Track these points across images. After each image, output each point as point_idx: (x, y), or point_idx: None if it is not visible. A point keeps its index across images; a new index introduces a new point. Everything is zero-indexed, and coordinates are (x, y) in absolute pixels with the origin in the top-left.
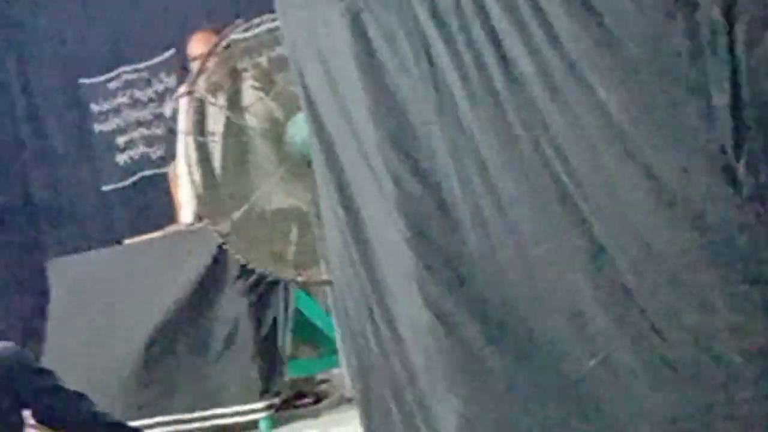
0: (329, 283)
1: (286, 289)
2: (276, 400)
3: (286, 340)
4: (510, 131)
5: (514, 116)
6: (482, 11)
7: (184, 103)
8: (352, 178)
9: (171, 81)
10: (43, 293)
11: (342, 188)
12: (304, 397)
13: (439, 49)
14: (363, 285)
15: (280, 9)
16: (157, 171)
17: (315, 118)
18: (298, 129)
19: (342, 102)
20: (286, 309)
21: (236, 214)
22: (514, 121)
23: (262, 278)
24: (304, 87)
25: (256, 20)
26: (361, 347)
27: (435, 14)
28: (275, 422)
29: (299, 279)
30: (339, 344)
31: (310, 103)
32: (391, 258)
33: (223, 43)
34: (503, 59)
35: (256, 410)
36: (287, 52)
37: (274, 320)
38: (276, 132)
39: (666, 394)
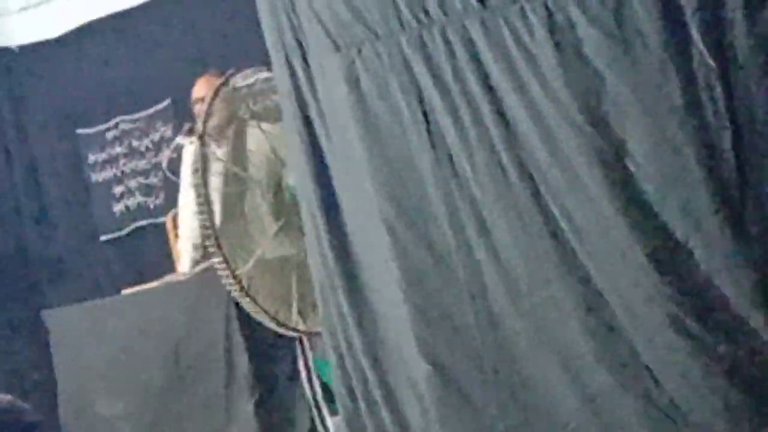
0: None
1: (300, 341)
2: None
3: (316, 391)
4: (506, 179)
5: (509, 164)
6: (476, 60)
7: (187, 154)
8: (351, 230)
9: (167, 130)
10: (41, 344)
11: (341, 239)
12: None
13: (433, 98)
14: (352, 336)
15: (276, 55)
16: (154, 220)
17: (314, 166)
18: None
19: (342, 150)
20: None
21: (247, 266)
22: (509, 169)
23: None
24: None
25: (255, 69)
26: (349, 407)
27: (429, 64)
28: None
29: (302, 328)
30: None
31: (312, 146)
32: (390, 309)
33: (228, 85)
34: (498, 108)
35: None
36: (282, 99)
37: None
38: (275, 180)
39: None
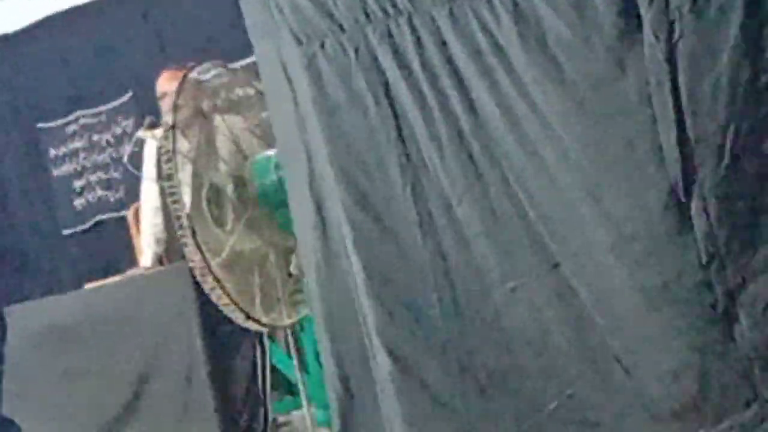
0: (293, 325)
1: (259, 336)
2: None
3: (267, 388)
4: (476, 169)
5: (479, 154)
6: (444, 50)
7: (149, 148)
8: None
9: (129, 124)
10: (2, 340)
11: (324, 229)
12: None
13: (401, 90)
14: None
15: (254, 40)
16: (115, 214)
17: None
18: (259, 169)
19: (306, 140)
20: (263, 356)
21: (217, 260)
22: (479, 158)
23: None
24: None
25: (215, 62)
26: (339, 392)
27: (396, 55)
28: None
29: (268, 322)
30: (300, 386)
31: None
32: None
33: (193, 77)
34: (466, 98)
35: None
36: (264, 83)
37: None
38: (237, 174)
39: (633, 427)
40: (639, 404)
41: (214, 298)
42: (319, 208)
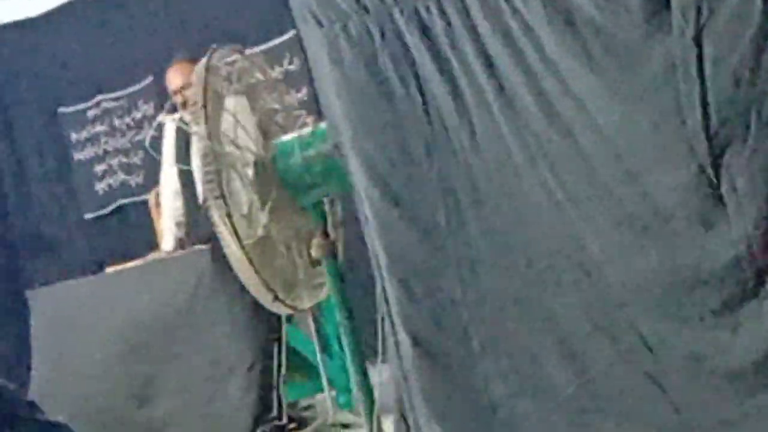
0: (313, 308)
1: (278, 317)
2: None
3: (283, 365)
4: (506, 149)
5: (509, 134)
6: (473, 30)
7: (168, 132)
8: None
9: (149, 109)
10: (25, 323)
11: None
12: (290, 422)
13: (429, 71)
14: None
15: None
16: (136, 198)
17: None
18: (283, 150)
19: (335, 124)
20: (280, 336)
21: (253, 239)
22: (510, 140)
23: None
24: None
25: (235, 47)
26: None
27: (425, 36)
28: None
29: (290, 303)
30: (321, 370)
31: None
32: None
33: (202, 71)
34: (496, 78)
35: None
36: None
37: (263, 349)
38: (259, 158)
39: (653, 413)
40: (661, 389)
41: (244, 278)
42: None
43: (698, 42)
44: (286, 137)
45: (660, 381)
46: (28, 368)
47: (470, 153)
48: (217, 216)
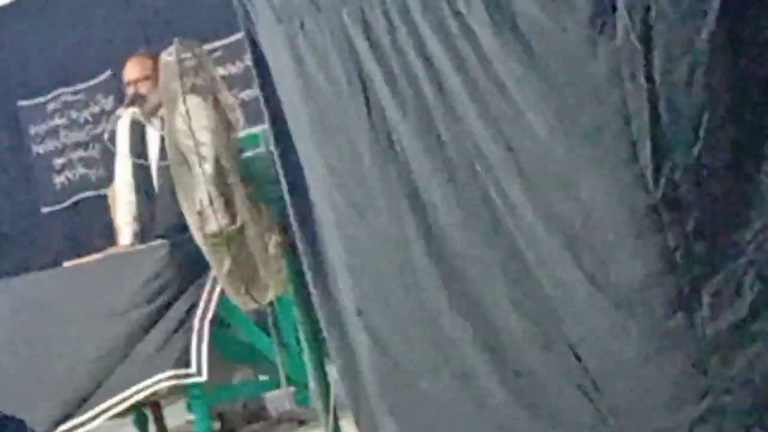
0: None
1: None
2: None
3: (204, 325)
4: (444, 155)
5: (448, 139)
6: (414, 32)
7: (122, 125)
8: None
9: (108, 102)
10: None
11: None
12: (258, 420)
13: (372, 71)
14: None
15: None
16: (95, 192)
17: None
18: (247, 143)
19: (292, 123)
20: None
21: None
22: (448, 144)
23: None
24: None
25: (194, 41)
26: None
27: (369, 36)
28: None
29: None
30: (279, 365)
31: (276, 118)
32: (340, 281)
33: (160, 65)
34: (436, 81)
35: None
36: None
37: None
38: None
39: (583, 421)
40: (589, 400)
41: (218, 271)
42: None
43: (646, 42)
44: (253, 130)
45: (589, 392)
46: None
47: (410, 158)
48: (186, 209)
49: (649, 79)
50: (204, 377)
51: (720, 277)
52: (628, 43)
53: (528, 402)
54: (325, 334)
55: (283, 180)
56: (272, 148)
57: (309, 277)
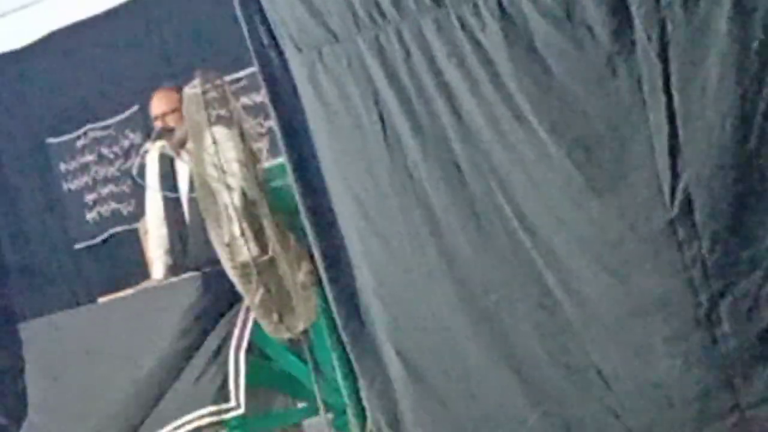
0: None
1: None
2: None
3: (240, 356)
4: (461, 178)
5: (465, 163)
6: (431, 59)
7: (151, 159)
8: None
9: (136, 137)
10: (18, 356)
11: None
12: None
13: (389, 99)
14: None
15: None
16: (128, 227)
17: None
18: (273, 174)
19: (319, 149)
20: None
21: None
22: (465, 168)
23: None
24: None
25: (217, 73)
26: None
27: (385, 64)
28: None
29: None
30: (316, 392)
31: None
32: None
33: (184, 98)
34: (453, 107)
35: (214, 413)
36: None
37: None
38: (245, 183)
39: None
40: (616, 417)
41: (252, 301)
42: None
43: (663, 58)
44: (275, 161)
45: (615, 409)
46: (24, 403)
47: (428, 182)
48: (216, 240)
49: (668, 94)
50: (242, 410)
51: (737, 291)
52: (646, 59)
53: (557, 423)
54: (354, 362)
55: (303, 210)
56: (290, 179)
57: (333, 305)
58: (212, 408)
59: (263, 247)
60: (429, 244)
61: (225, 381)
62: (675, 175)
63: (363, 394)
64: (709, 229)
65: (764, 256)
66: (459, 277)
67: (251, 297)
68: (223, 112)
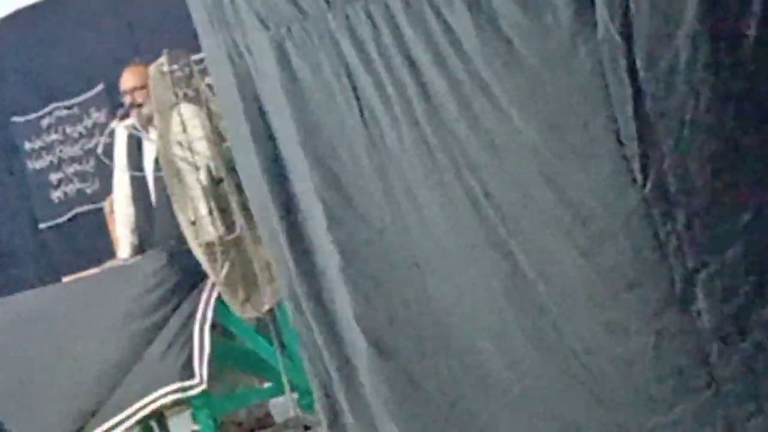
0: (269, 312)
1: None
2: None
3: (204, 333)
4: (431, 154)
5: (433, 139)
6: (398, 35)
7: (119, 138)
8: (299, 205)
9: (101, 116)
10: None
11: (289, 215)
12: (263, 427)
13: (361, 75)
14: (311, 317)
15: (204, 32)
16: (93, 206)
17: (262, 140)
18: None
19: (275, 128)
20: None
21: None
22: (434, 144)
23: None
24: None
25: (186, 51)
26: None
27: (354, 40)
28: None
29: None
30: (282, 372)
31: (261, 123)
32: (334, 287)
33: (152, 76)
34: (420, 83)
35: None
36: (213, 75)
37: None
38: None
39: (586, 419)
40: (591, 395)
41: (217, 280)
42: (283, 194)
43: (627, 36)
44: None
45: (590, 386)
46: None
47: (403, 158)
48: (181, 219)
49: (632, 72)
50: (205, 385)
51: (713, 268)
52: (609, 39)
53: (535, 401)
54: (319, 341)
55: (259, 188)
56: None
57: (297, 284)
58: (177, 385)
59: (229, 226)
60: (410, 218)
61: (189, 358)
62: (644, 153)
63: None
64: (684, 206)
65: (741, 232)
66: (438, 250)
67: (215, 275)
68: (189, 91)
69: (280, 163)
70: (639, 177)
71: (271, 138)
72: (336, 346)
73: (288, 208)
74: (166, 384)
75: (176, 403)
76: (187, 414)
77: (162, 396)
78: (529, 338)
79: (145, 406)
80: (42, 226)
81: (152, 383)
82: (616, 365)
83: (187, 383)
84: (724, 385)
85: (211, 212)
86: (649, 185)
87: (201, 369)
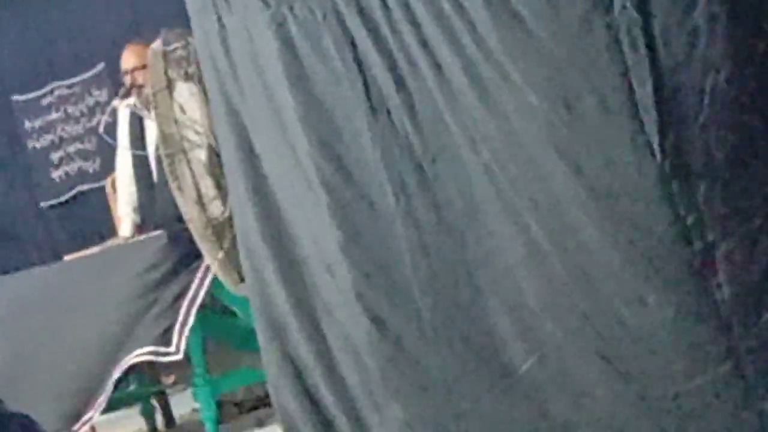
0: None
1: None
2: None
3: (191, 310)
4: (447, 133)
5: (449, 118)
6: (410, 14)
7: (122, 117)
8: (278, 188)
9: (102, 95)
10: None
11: (265, 199)
12: (264, 406)
13: (369, 52)
14: (285, 302)
15: (195, 16)
16: (94, 185)
17: (235, 125)
18: None
19: (275, 109)
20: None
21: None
22: (450, 122)
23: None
24: (224, 93)
25: (181, 31)
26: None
27: (363, 18)
28: None
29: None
30: None
31: (231, 110)
32: (326, 268)
33: (151, 56)
34: (434, 61)
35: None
36: (202, 59)
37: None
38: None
39: (603, 390)
40: (609, 365)
41: (214, 259)
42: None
43: (644, 11)
44: None
45: (609, 357)
46: None
47: (413, 135)
48: (180, 198)
49: (651, 47)
50: (180, 356)
51: (732, 241)
52: (626, 14)
53: (552, 373)
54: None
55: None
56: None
57: (273, 270)
58: (151, 348)
59: (227, 205)
60: (417, 197)
61: (170, 327)
62: (663, 129)
63: None
64: (702, 181)
65: (760, 205)
66: (448, 228)
67: (213, 255)
68: (190, 69)
69: (252, 148)
70: (657, 151)
71: (244, 127)
72: (315, 334)
73: (261, 191)
74: (142, 346)
75: (177, 382)
76: (187, 393)
77: (135, 356)
78: (547, 310)
79: (120, 367)
80: (43, 205)
81: (132, 347)
82: (635, 338)
83: (162, 349)
84: (743, 356)
85: (220, 189)
86: (668, 161)
87: (179, 341)
